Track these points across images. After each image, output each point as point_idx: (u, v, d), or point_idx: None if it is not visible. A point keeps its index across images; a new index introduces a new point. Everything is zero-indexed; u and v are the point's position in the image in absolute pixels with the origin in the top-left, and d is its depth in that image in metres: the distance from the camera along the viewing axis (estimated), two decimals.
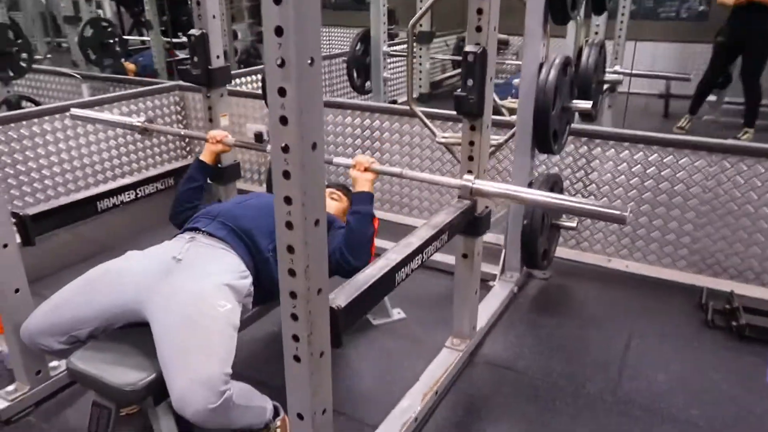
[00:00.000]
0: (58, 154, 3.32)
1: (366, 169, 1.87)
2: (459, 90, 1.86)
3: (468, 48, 1.82)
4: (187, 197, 2.08)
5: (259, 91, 3.69)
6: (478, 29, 1.81)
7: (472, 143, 1.96)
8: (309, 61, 1.04)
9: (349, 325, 1.38)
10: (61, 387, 2.04)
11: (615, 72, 3.76)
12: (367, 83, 3.77)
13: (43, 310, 1.65)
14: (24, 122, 3.17)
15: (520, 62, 2.65)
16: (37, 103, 4.43)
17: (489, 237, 3.07)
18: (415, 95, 5.15)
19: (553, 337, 2.39)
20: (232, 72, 2.82)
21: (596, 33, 3.56)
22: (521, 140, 2.49)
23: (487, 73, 1.85)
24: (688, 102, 5.34)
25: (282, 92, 1.04)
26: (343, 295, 1.38)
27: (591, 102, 2.42)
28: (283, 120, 1.06)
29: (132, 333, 1.62)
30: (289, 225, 1.13)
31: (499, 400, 2.05)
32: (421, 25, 4.62)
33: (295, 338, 1.23)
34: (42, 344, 1.63)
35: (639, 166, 2.75)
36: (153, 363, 1.51)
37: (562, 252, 3.03)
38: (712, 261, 2.71)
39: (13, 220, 1.83)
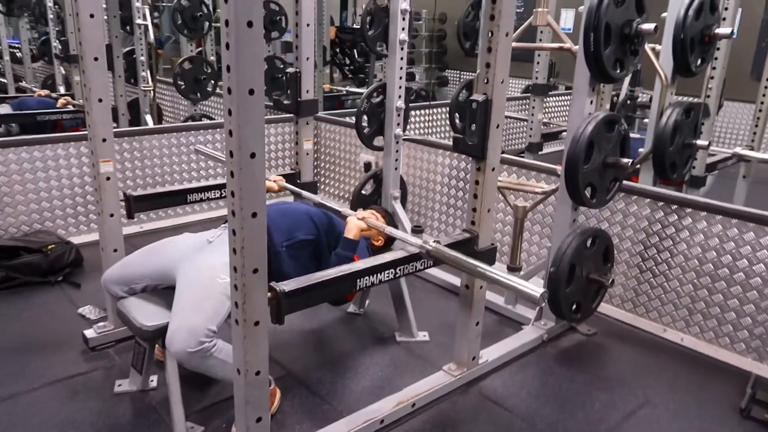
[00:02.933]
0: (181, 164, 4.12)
1: (362, 218, 2.22)
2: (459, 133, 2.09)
3: (474, 96, 2.04)
4: None
5: None
6: (486, 81, 2.02)
7: (477, 182, 2.15)
8: (249, 91, 1.40)
9: (292, 308, 1.69)
10: None
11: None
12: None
13: (117, 264, 2.23)
14: (185, 132, 4.03)
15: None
16: (211, 119, 5.44)
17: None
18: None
19: (558, 388, 2.39)
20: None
21: (708, 96, 3.39)
22: (563, 191, 2.56)
23: (492, 120, 2.05)
24: None
25: (230, 112, 1.42)
26: (293, 283, 1.70)
27: (630, 159, 2.42)
28: (230, 133, 1.44)
29: (167, 292, 2.10)
30: (233, 213, 1.49)
31: (471, 428, 2.14)
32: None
33: (236, 305, 1.57)
34: (111, 290, 2.19)
35: (700, 234, 2.62)
36: (169, 315, 1.96)
37: (617, 313, 2.95)
38: None
39: (122, 198, 2.46)
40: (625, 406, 2.28)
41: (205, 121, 5.19)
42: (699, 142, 2.91)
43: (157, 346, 2.20)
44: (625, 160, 2.44)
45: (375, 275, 1.89)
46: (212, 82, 5.38)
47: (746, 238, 2.51)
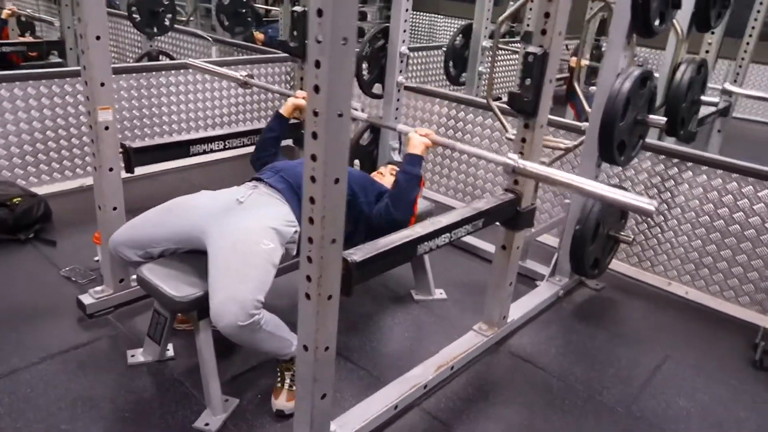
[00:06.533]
0: (169, 105, 3.76)
1: (425, 135, 2.07)
2: (517, 87, 1.96)
3: (530, 49, 1.90)
4: (265, 145, 2.38)
5: None
6: (543, 32, 1.89)
7: (524, 140, 2.04)
8: (342, 41, 1.21)
9: (361, 279, 1.56)
10: (137, 297, 2.40)
11: (727, 91, 3.57)
12: (463, 75, 3.87)
13: (127, 225, 1.99)
14: (153, 73, 3.64)
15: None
16: (171, 58, 4.99)
17: (545, 238, 3.12)
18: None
19: (582, 344, 2.42)
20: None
21: (707, 51, 3.40)
22: (589, 147, 2.51)
23: (547, 75, 1.93)
24: None
25: (318, 64, 1.23)
26: (360, 252, 1.56)
27: (665, 118, 2.38)
28: (316, 89, 1.25)
29: (193, 257, 1.91)
30: (313, 179, 1.32)
31: (510, 388, 2.14)
32: (527, 25, 4.62)
33: (308, 278, 1.42)
34: (123, 254, 1.96)
35: (715, 192, 2.66)
36: (202, 283, 1.78)
37: (621, 267, 3.00)
38: None
39: (120, 150, 2.19)
40: (649, 361, 2.34)
41: (166, 60, 4.77)
42: (709, 99, 2.93)
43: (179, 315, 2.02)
44: (656, 118, 2.41)
45: (464, 227, 1.82)
46: (170, 15, 4.90)
47: (745, 192, 2.58)
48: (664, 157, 2.79)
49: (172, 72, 3.72)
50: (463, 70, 3.87)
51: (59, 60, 4.85)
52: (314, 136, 1.28)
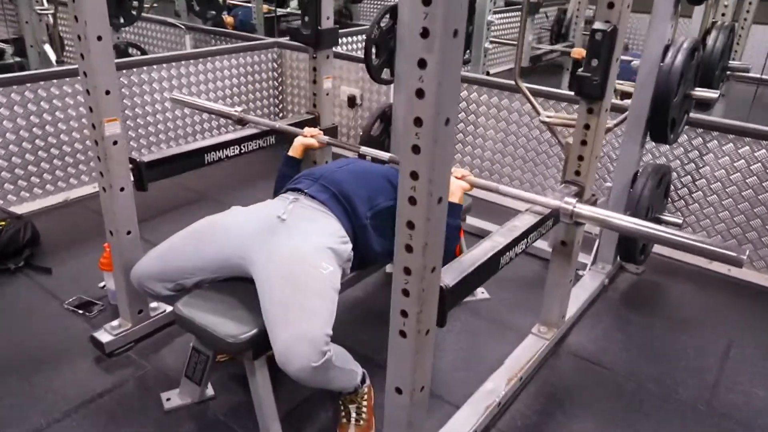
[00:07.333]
0: (152, 104, 3.44)
1: (461, 177, 1.80)
2: (581, 69, 1.76)
3: (597, 25, 1.71)
4: (284, 185, 2.04)
5: (356, 54, 3.67)
6: (610, 5, 1.69)
7: (587, 126, 1.86)
8: (453, 33, 0.99)
9: (453, 305, 1.36)
10: (158, 327, 2.15)
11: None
12: (466, 53, 3.65)
13: (152, 256, 1.73)
14: (134, 69, 3.31)
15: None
16: (143, 51, 4.61)
17: None
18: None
19: (642, 336, 2.28)
20: None
21: (723, 15, 3.27)
22: (633, 126, 2.35)
23: (615, 53, 1.74)
24: None
25: (422, 64, 1.00)
26: (450, 274, 1.36)
27: (717, 91, 2.23)
28: (420, 93, 1.03)
29: (235, 286, 1.67)
30: (412, 200, 1.11)
31: (583, 394, 1.99)
32: None
33: (404, 314, 1.22)
34: (150, 289, 1.71)
35: (759, 164, 2.54)
36: (255, 318, 1.55)
37: (657, 247, 2.88)
38: None
39: (130, 166, 1.91)
40: (714, 349, 2.22)
41: (137, 54, 4.39)
42: (736, 63, 2.80)
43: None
44: (706, 91, 2.26)
45: (537, 230, 1.66)
46: (136, 3, 4.51)
47: None
48: (702, 130, 2.65)
49: (144, 69, 3.36)
50: (467, 48, 3.64)
51: (18, 59, 4.41)
52: (416, 150, 1.07)
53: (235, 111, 2.44)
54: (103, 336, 2.02)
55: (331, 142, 2.22)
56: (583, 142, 1.88)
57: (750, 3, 3.80)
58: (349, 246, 1.69)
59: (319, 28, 2.37)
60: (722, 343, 2.25)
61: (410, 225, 1.13)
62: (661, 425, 1.86)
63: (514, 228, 1.61)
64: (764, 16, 3.70)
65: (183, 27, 4.62)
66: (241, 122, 2.45)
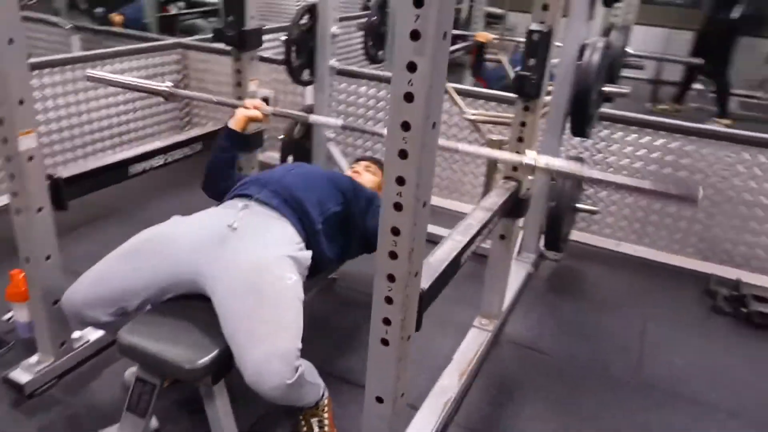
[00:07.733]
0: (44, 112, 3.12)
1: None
2: (519, 69, 1.83)
3: (533, 26, 1.78)
4: (219, 168, 1.95)
5: (265, 54, 3.56)
6: (545, 7, 1.77)
7: (524, 124, 1.94)
8: (443, 35, 0.99)
9: (427, 308, 1.36)
10: (83, 359, 1.96)
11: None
12: (380, 53, 3.66)
13: (87, 280, 1.56)
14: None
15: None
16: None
17: None
18: None
19: (571, 320, 2.44)
20: None
21: (616, 15, 3.54)
22: (553, 123, 2.48)
23: (549, 53, 1.83)
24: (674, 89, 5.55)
25: (412, 67, 0.99)
26: (424, 278, 1.35)
27: (628, 87, 2.42)
28: (408, 97, 1.01)
29: (185, 305, 1.56)
30: (398, 206, 1.09)
31: (528, 381, 2.08)
32: None
33: (386, 322, 1.20)
34: (88, 316, 1.55)
35: (658, 153, 2.79)
36: (212, 339, 1.45)
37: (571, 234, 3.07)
38: (720, 249, 2.80)
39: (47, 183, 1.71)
40: (634, 326, 2.41)
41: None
42: (633, 60, 3.04)
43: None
44: (617, 87, 2.43)
45: (488, 227, 1.70)
46: None
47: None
48: (608, 123, 2.87)
49: (45, 71, 3.04)
50: (381, 47, 3.64)
51: None
52: (403, 155, 1.05)
53: (165, 86, 2.19)
54: (21, 376, 1.80)
55: (276, 113, 2.11)
56: (520, 139, 1.95)
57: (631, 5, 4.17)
58: (308, 253, 1.63)
59: (243, 28, 2.26)
60: (639, 321, 2.45)
61: (395, 231, 1.12)
62: (601, 401, 1.99)
63: (469, 226, 1.63)
64: (643, 17, 4.08)
65: (66, 27, 4.22)
66: (171, 97, 2.20)
